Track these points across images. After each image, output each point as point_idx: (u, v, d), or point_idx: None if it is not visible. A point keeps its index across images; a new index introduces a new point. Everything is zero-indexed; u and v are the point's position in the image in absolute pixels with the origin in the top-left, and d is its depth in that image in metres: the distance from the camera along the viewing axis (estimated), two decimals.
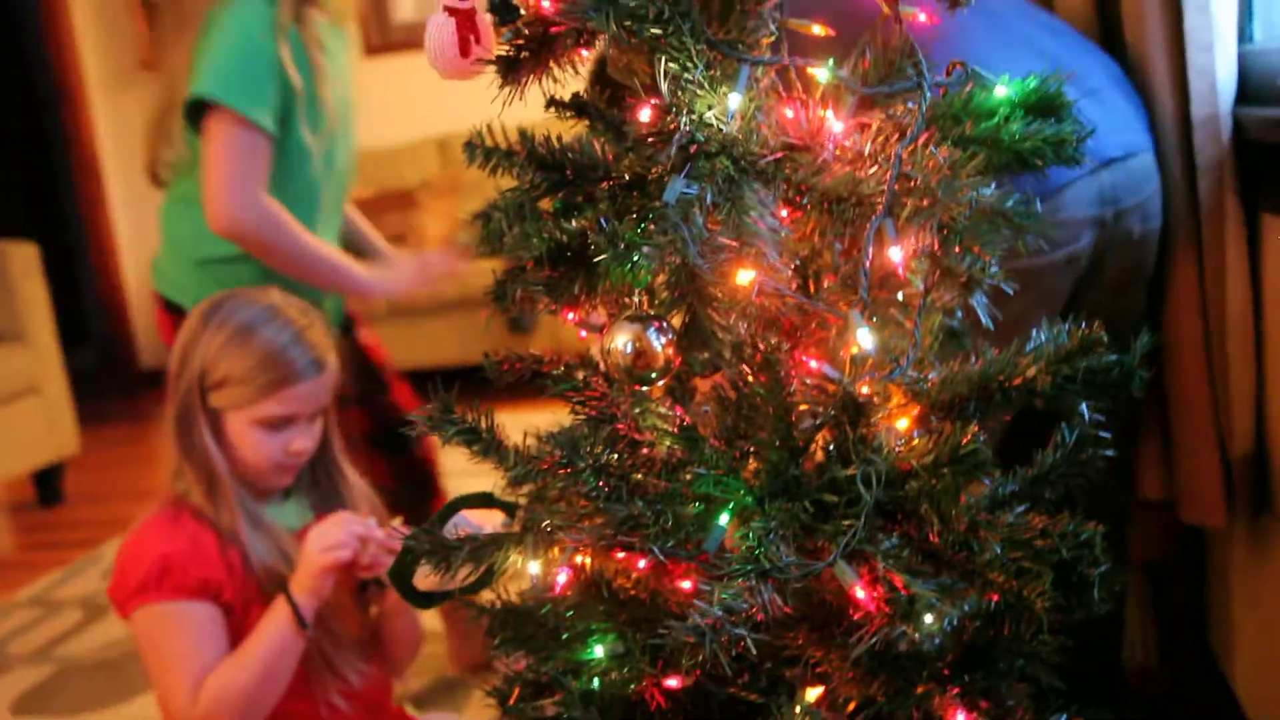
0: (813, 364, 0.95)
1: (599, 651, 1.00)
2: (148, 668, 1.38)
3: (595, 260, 0.91)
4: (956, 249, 0.87)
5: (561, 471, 0.96)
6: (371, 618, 1.50)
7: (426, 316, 3.86)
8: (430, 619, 2.16)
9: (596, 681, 1.00)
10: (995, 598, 0.91)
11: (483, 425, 1.07)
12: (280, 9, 1.64)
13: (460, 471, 2.57)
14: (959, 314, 1.05)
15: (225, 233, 1.64)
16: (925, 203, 0.85)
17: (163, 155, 1.75)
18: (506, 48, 0.94)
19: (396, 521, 1.38)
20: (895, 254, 0.89)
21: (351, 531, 1.38)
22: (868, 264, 0.89)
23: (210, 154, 1.63)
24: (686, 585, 0.98)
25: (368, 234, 2.02)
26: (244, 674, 1.35)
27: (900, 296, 0.99)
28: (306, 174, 1.72)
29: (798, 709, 0.93)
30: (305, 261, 1.70)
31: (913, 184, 0.86)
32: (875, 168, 0.89)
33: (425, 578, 1.08)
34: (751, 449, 0.96)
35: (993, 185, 0.87)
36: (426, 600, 1.12)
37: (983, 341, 0.97)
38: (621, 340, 0.97)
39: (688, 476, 0.97)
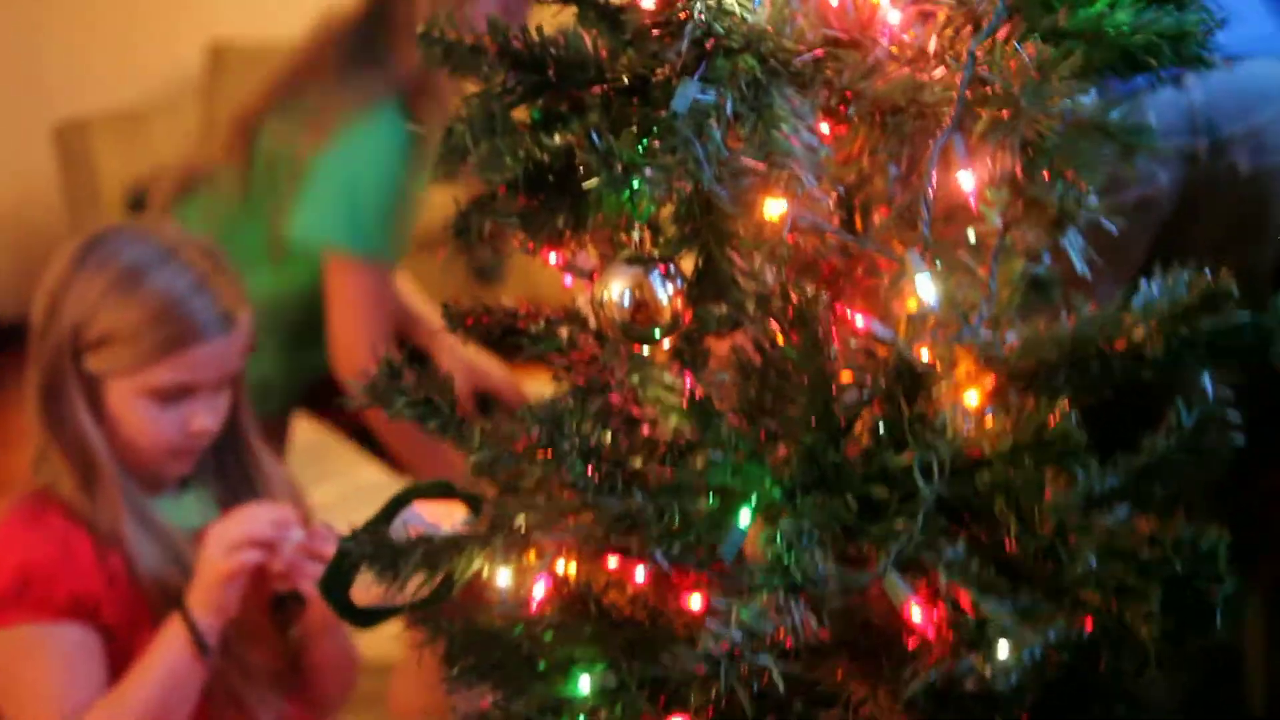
0: (859, 320, 0.94)
1: (585, 685, 1.00)
2: (3, 707, 1.38)
3: (584, 186, 0.91)
4: (1045, 174, 0.86)
5: (540, 455, 0.96)
6: (291, 642, 1.50)
7: None
8: (371, 645, 2.17)
9: None
10: (1089, 623, 0.90)
11: (440, 395, 1.06)
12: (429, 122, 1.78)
13: None
14: (1046, 259, 1.04)
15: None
16: (1005, 114, 0.84)
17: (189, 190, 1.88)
18: None
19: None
20: (966, 180, 0.88)
21: (261, 529, 1.37)
22: (930, 193, 0.88)
23: (338, 303, 1.79)
24: (696, 602, 0.98)
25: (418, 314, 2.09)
26: (127, 715, 1.34)
27: (971, 235, 0.98)
28: None
29: None
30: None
31: (990, 90, 0.85)
32: (942, 69, 0.88)
33: (366, 589, 1.08)
34: (780, 429, 0.95)
35: (1093, 92, 0.87)
36: (366, 618, 1.12)
37: (1078, 295, 0.97)
38: (617, 288, 0.96)
39: (699, 463, 0.97)
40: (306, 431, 2.93)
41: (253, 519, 1.38)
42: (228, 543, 1.36)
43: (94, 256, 1.40)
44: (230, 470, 1.50)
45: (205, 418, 1.41)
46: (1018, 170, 0.86)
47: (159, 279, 1.39)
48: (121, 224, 1.48)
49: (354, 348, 1.76)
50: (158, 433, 1.40)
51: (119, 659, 1.39)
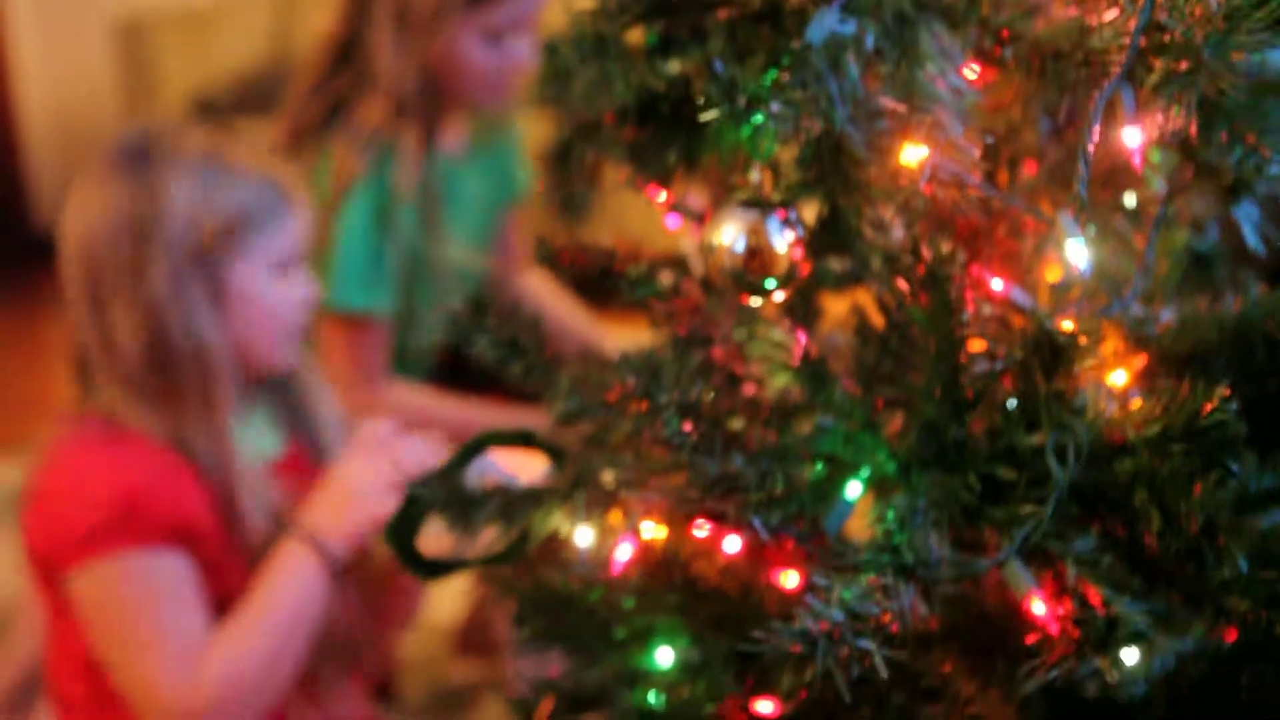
0: (997, 285, 0.93)
1: (666, 658, 1.01)
2: (105, 647, 1.34)
3: (701, 119, 0.91)
4: (1222, 137, 0.84)
5: (633, 408, 0.96)
6: (359, 610, 1.47)
7: None
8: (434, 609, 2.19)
9: (659, 698, 1.01)
10: (1233, 634, 0.90)
11: (527, 336, 1.07)
12: (399, 186, 1.87)
13: None
14: (1213, 232, 1.03)
15: None
16: (1183, 66, 0.83)
17: None
18: None
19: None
20: (1131, 138, 0.86)
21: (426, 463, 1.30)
22: (1090, 149, 0.87)
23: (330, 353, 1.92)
24: (792, 579, 0.98)
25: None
26: (261, 643, 1.32)
27: (1131, 200, 0.97)
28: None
29: None
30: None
31: (1167, 38, 0.84)
32: (1114, 13, 0.86)
33: (435, 539, 1.09)
34: (900, 398, 0.95)
35: None
36: (433, 569, 1.13)
37: (1246, 272, 0.95)
38: (730, 233, 0.96)
39: (807, 429, 0.97)
40: None
41: (421, 452, 1.34)
42: (392, 477, 1.31)
43: (154, 158, 1.36)
44: (289, 391, 1.49)
45: (310, 283, 1.43)
46: (1191, 131, 0.84)
47: (234, 153, 1.38)
48: (132, 127, 1.42)
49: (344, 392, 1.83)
50: (286, 307, 1.40)
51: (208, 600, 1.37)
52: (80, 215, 1.38)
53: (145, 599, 1.33)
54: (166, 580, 1.33)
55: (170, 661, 1.31)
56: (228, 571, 1.36)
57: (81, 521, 1.32)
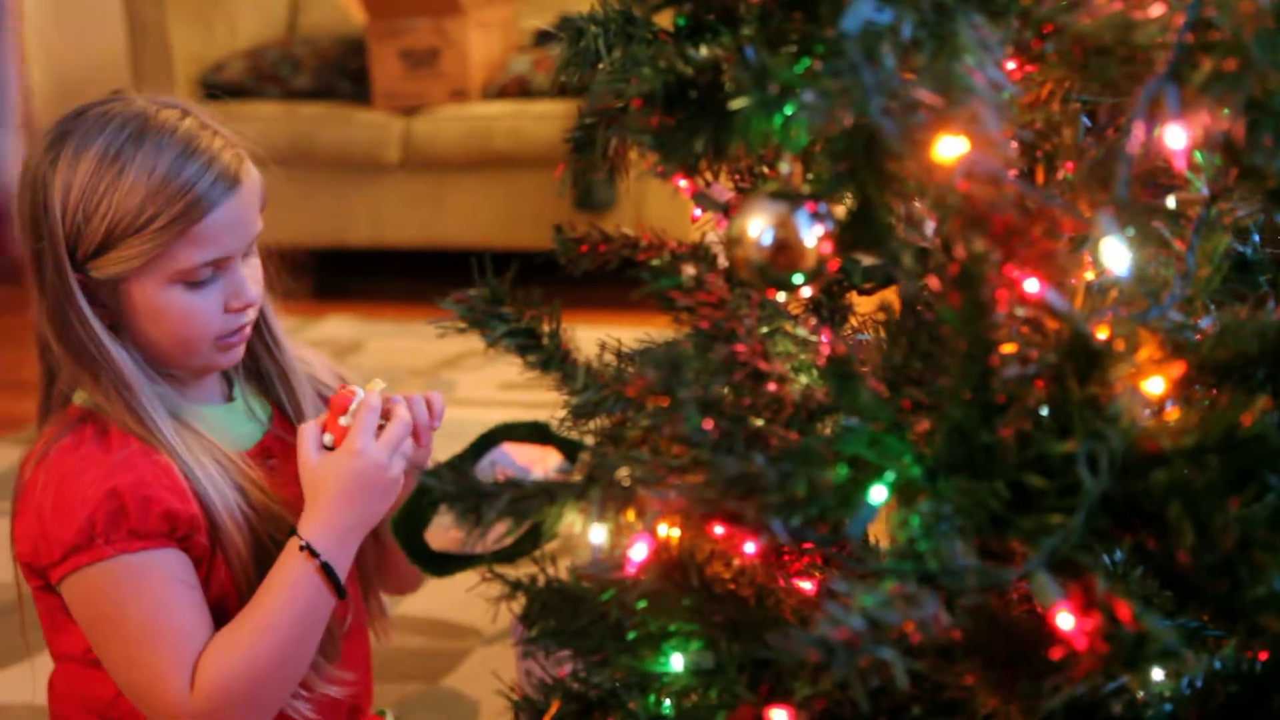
0: (1031, 286, 0.93)
1: (678, 663, 1.01)
2: (105, 648, 1.36)
3: (731, 106, 0.90)
4: (1268, 140, 0.84)
5: (652, 402, 0.96)
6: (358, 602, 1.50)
7: (459, 174, 3.88)
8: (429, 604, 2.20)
9: (670, 704, 1.01)
10: (1265, 655, 0.90)
11: (544, 326, 1.08)
12: None
13: (489, 401, 2.58)
14: (1256, 237, 1.03)
15: None
16: (1230, 65, 0.82)
17: None
18: None
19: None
20: (1175, 138, 0.86)
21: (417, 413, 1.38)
22: (1131, 148, 0.87)
23: None
24: (808, 585, 0.99)
25: None
26: (263, 649, 1.34)
27: (1172, 202, 0.97)
28: None
29: None
30: None
31: (1215, 36, 0.84)
32: (1160, 8, 0.87)
33: (444, 533, 1.09)
34: (927, 400, 0.95)
35: None
36: (442, 565, 1.14)
37: None
38: (756, 225, 0.96)
39: (830, 430, 0.97)
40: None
41: (404, 404, 1.38)
42: (392, 441, 1.35)
43: (64, 147, 1.36)
44: (264, 364, 1.50)
45: (250, 287, 1.41)
46: (1238, 132, 0.83)
47: (143, 153, 1.35)
48: (86, 106, 1.41)
49: None
50: (203, 324, 1.39)
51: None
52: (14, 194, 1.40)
53: (139, 600, 1.34)
54: (160, 580, 1.34)
55: (169, 667, 1.33)
56: (218, 563, 1.38)
57: (70, 530, 1.34)
